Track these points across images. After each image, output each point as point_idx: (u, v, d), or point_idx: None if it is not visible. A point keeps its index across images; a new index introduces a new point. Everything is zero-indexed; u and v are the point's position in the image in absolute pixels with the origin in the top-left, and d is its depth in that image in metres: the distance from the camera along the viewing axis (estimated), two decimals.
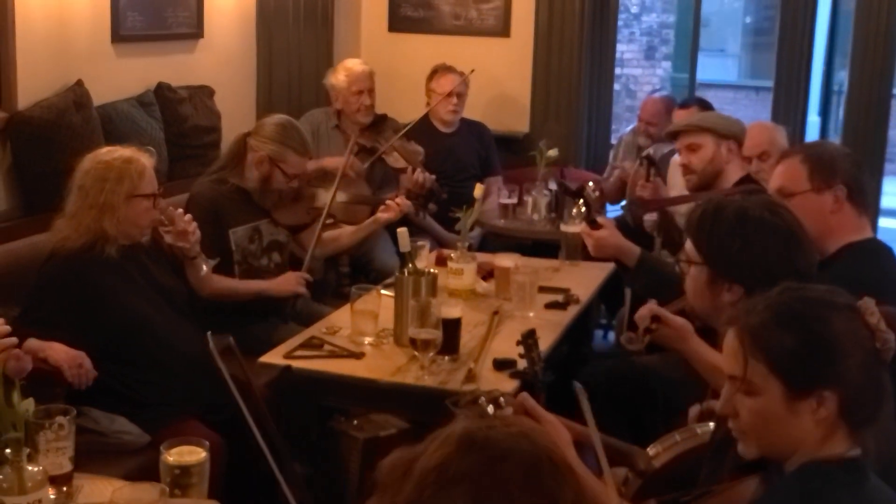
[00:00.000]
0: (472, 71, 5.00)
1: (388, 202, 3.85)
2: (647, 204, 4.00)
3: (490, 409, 1.89)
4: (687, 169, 3.63)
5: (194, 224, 3.15)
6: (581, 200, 3.24)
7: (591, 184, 3.94)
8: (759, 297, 1.67)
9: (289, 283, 3.58)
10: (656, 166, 4.19)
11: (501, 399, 1.93)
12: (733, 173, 3.59)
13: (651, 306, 2.43)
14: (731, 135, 3.60)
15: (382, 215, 3.84)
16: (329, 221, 3.80)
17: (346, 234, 3.96)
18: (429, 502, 1.12)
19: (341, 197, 3.86)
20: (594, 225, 3.18)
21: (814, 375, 1.57)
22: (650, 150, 4.34)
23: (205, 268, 3.24)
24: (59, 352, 2.68)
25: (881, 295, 2.42)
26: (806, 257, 2.11)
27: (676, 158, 3.89)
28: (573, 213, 3.35)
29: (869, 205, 2.64)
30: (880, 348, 1.59)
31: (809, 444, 1.58)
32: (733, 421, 1.65)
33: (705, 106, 4.76)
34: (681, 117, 4.59)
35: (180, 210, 3.15)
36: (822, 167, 2.55)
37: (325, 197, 3.74)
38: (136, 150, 2.99)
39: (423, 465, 1.14)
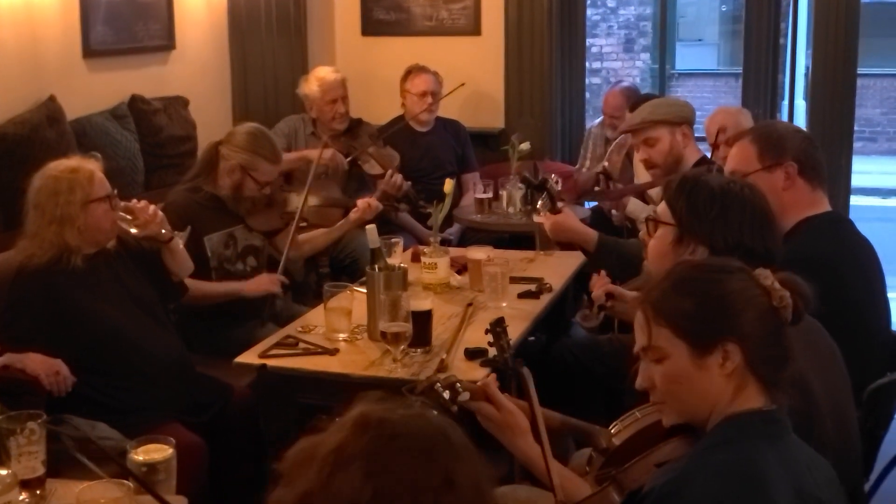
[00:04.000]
0: (463, 84, 5.09)
1: (358, 203, 3.91)
2: (606, 195, 4.11)
3: (446, 394, 1.93)
4: (648, 163, 3.69)
5: (153, 207, 3.15)
6: (545, 193, 3.32)
7: (553, 176, 4.01)
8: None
9: (262, 283, 3.63)
10: (614, 181, 4.27)
11: (458, 384, 1.96)
12: (691, 157, 3.66)
13: (604, 284, 2.46)
14: (683, 120, 3.66)
15: (353, 216, 3.91)
16: (303, 225, 3.85)
17: (319, 235, 4.02)
18: (328, 483, 1.15)
19: (313, 201, 3.91)
20: (555, 211, 3.27)
21: (713, 330, 1.64)
22: (605, 164, 4.42)
23: (181, 242, 3.25)
24: (35, 361, 2.73)
25: (839, 266, 2.49)
26: (775, 240, 2.17)
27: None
28: (538, 205, 3.44)
29: (824, 179, 2.68)
30: (777, 306, 1.66)
31: (724, 401, 1.64)
32: (652, 393, 1.73)
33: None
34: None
35: (135, 200, 3.16)
36: (770, 146, 2.60)
37: (297, 201, 3.80)
38: (80, 159, 3.01)
39: (322, 449, 1.17)
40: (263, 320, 3.71)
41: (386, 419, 1.19)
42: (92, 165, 2.99)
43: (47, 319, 2.89)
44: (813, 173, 2.61)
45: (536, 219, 3.92)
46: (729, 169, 2.69)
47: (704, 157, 3.69)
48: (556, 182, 3.93)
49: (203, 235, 3.58)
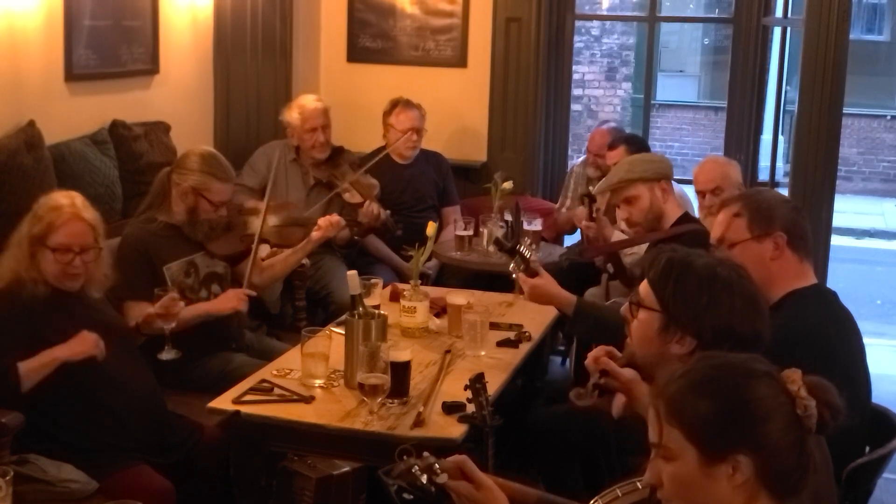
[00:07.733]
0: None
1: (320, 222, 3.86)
2: (591, 251, 4.12)
3: (424, 478, 1.87)
4: (630, 222, 3.68)
5: (181, 304, 3.23)
6: (517, 256, 3.32)
7: (526, 239, 3.99)
8: (678, 366, 1.70)
9: (229, 300, 3.57)
10: (597, 203, 4.27)
11: (436, 466, 1.90)
12: (672, 212, 3.65)
13: (599, 356, 2.40)
14: (660, 175, 3.66)
15: (316, 234, 3.86)
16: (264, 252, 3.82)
17: (280, 259, 3.93)
18: None
19: (273, 220, 3.85)
20: (531, 273, 3.26)
21: (726, 441, 1.57)
22: (591, 189, 4.41)
23: (164, 356, 3.27)
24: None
25: (825, 341, 2.48)
26: (764, 321, 2.11)
27: None
28: (510, 268, 3.45)
29: (810, 250, 2.66)
30: (801, 415, 1.59)
31: None
32: (659, 490, 1.67)
33: (633, 142, 4.81)
34: (612, 158, 4.64)
35: (170, 295, 3.22)
36: (761, 215, 2.59)
37: (257, 223, 3.75)
38: (82, 202, 3.00)
39: None
40: (233, 350, 3.66)
41: None
42: (80, 213, 2.96)
43: (20, 345, 2.83)
44: (801, 243, 2.60)
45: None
46: (716, 236, 2.67)
47: (687, 214, 3.68)
48: (531, 245, 3.91)
49: (161, 265, 3.54)
